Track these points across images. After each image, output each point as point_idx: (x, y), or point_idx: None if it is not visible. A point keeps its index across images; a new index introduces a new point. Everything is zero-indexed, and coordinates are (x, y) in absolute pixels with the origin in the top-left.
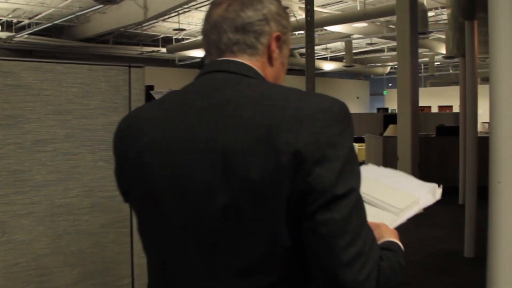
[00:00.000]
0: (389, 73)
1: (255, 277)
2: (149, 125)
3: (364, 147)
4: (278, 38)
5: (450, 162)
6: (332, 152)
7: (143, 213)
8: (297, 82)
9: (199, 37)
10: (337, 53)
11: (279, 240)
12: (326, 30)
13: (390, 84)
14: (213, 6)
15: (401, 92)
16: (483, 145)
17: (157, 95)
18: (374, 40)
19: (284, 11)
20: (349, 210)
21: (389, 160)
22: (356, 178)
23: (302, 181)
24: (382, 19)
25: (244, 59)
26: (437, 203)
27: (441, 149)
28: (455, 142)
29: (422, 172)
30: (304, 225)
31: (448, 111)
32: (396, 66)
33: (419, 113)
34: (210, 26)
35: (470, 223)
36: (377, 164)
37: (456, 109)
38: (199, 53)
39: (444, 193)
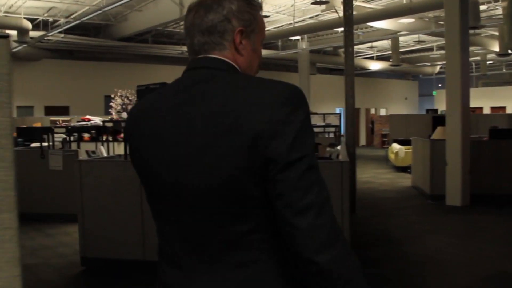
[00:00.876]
0: (439, 72)
1: (232, 228)
2: (145, 116)
3: (410, 150)
4: (241, 32)
5: (506, 168)
6: (283, 128)
7: (148, 187)
8: (342, 81)
9: None
10: (383, 52)
11: (248, 199)
12: (371, 27)
13: (439, 85)
14: (186, 13)
15: (450, 91)
16: None
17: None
18: (422, 37)
19: (247, 6)
20: (301, 171)
21: (436, 165)
22: (308, 148)
23: (262, 153)
24: (430, 14)
25: (216, 54)
26: (492, 214)
27: (495, 154)
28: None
29: (474, 180)
30: (268, 187)
31: (501, 113)
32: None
33: (470, 114)
34: (185, 31)
35: None
36: (424, 169)
37: (510, 110)
38: None
39: (500, 204)
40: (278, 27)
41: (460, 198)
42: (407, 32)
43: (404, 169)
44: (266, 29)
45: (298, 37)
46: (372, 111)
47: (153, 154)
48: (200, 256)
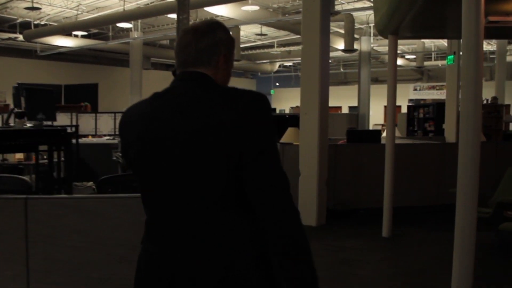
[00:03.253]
0: (277, 71)
1: (210, 206)
2: (139, 118)
3: None
4: (224, 56)
5: (365, 177)
6: (254, 126)
7: (142, 174)
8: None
9: (66, 22)
10: None
11: (224, 182)
12: (212, 15)
13: (277, 84)
14: (183, 33)
15: (306, 86)
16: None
17: None
18: (265, 30)
19: (231, 39)
20: (269, 159)
21: (288, 175)
22: (273, 141)
23: (239, 146)
24: (275, 5)
25: (202, 70)
26: (353, 236)
27: (354, 160)
28: (372, 150)
29: (331, 191)
30: (245, 172)
31: (339, 112)
32: (285, 64)
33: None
34: (180, 47)
35: None
36: None
37: (345, 109)
38: (63, 41)
39: (358, 220)
40: (107, 13)
41: (316, 216)
42: (246, 21)
43: None
44: (93, 15)
45: (130, 25)
46: None
47: (148, 149)
48: (178, 231)
